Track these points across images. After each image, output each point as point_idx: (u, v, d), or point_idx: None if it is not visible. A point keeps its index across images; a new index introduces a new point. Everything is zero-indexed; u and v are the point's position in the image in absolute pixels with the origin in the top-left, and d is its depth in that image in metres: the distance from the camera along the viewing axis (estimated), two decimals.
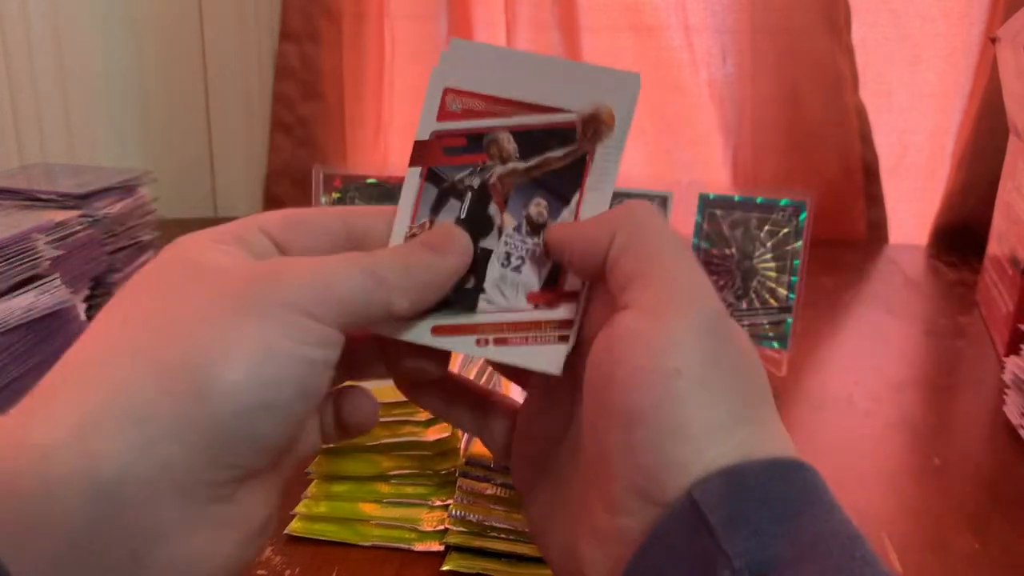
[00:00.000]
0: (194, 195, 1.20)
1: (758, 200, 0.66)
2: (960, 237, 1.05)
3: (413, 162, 0.31)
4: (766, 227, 0.66)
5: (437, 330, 0.30)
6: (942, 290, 0.92)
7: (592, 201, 0.30)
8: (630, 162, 1.13)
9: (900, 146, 1.09)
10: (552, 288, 0.30)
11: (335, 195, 0.71)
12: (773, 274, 0.66)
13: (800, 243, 0.65)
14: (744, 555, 0.22)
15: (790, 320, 0.65)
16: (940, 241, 1.08)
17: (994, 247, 0.83)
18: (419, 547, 0.45)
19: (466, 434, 0.46)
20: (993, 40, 0.80)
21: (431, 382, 0.33)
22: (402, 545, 0.45)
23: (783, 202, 0.66)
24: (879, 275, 0.97)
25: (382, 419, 0.44)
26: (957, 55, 1.05)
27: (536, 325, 0.30)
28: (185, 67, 1.18)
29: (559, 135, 0.30)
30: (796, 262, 0.65)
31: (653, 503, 0.24)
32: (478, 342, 0.30)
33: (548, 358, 0.29)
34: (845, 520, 0.24)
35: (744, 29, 1.05)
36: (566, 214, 0.30)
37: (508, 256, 0.30)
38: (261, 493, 0.27)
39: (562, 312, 0.30)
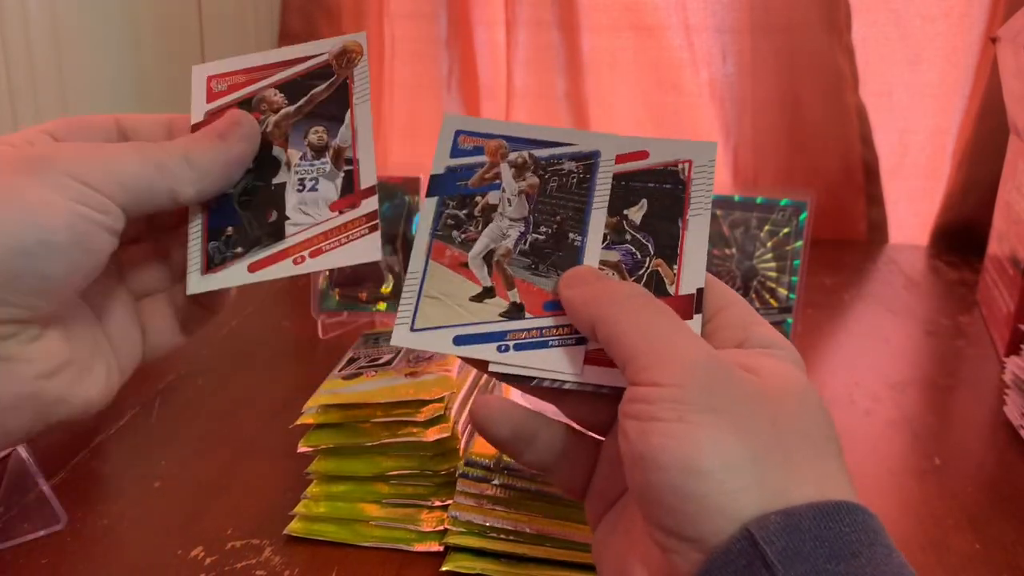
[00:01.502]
0: None
1: (758, 200, 0.66)
2: (960, 237, 1.05)
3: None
4: (766, 227, 0.66)
5: (254, 266, 0.33)
6: (942, 290, 0.92)
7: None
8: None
9: (900, 146, 1.09)
10: (351, 193, 0.34)
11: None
12: (773, 274, 0.66)
13: (800, 243, 0.65)
14: None
15: (790, 320, 0.65)
16: (940, 241, 1.08)
17: (994, 247, 0.83)
18: (419, 547, 0.45)
19: (466, 434, 0.46)
20: (993, 40, 0.80)
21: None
22: (402, 545, 0.45)
23: (783, 202, 0.66)
24: (879, 275, 0.97)
25: (382, 419, 0.44)
26: (957, 55, 1.05)
27: (345, 227, 0.33)
28: (185, 67, 1.17)
29: (319, 74, 0.35)
30: (796, 262, 0.65)
31: (688, 540, 0.24)
32: (295, 261, 0.33)
33: (364, 249, 0.33)
34: (903, 564, 0.24)
35: (744, 29, 1.05)
36: (343, 130, 0.35)
37: (302, 182, 0.34)
38: (49, 336, 0.30)
39: (365, 207, 0.34)
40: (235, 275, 0.33)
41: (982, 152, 1.00)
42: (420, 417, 0.44)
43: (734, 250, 0.67)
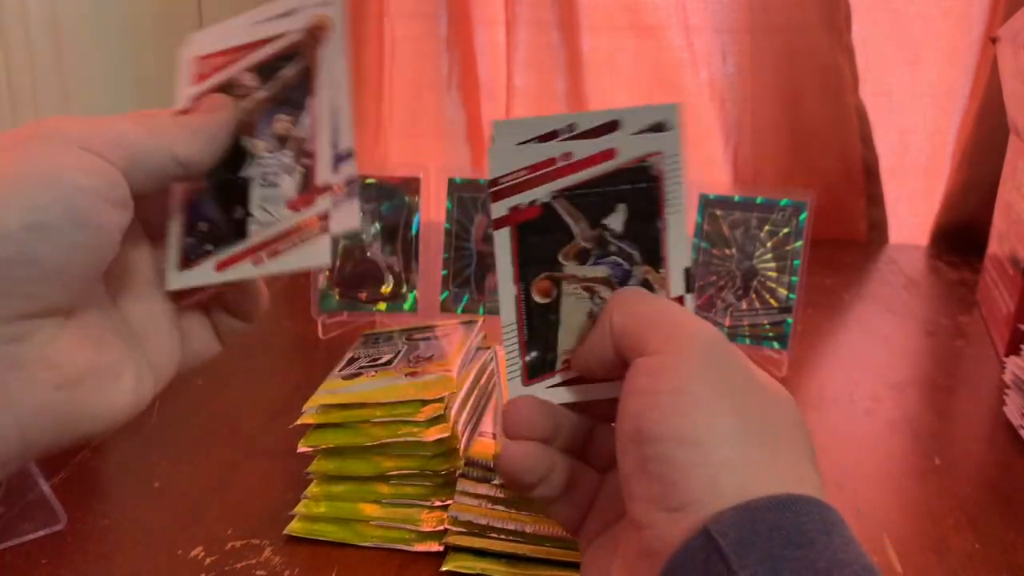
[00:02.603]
0: None
1: (758, 200, 0.66)
2: (960, 237, 1.05)
3: None
4: (766, 227, 0.66)
5: (220, 265, 0.32)
6: (942, 290, 0.92)
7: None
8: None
9: (900, 146, 1.09)
10: (306, 191, 0.32)
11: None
12: (773, 274, 0.66)
13: (800, 243, 0.65)
14: None
15: (790, 320, 0.65)
16: (940, 241, 1.08)
17: (994, 247, 0.83)
18: (419, 547, 0.45)
19: (466, 434, 0.46)
20: (993, 40, 0.80)
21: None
22: (402, 546, 0.45)
23: (783, 202, 0.66)
24: (879, 275, 0.97)
25: (382, 419, 0.44)
26: (957, 55, 1.05)
27: (299, 228, 0.32)
28: None
29: (290, 56, 0.33)
30: (796, 262, 0.65)
31: (671, 510, 0.25)
32: (255, 261, 0.32)
33: (314, 252, 0.32)
34: (861, 554, 0.24)
35: (744, 29, 1.05)
36: (303, 117, 0.33)
37: (265, 176, 0.33)
38: (67, 338, 0.27)
39: (318, 206, 0.32)
40: (204, 273, 0.32)
41: (982, 152, 1.00)
42: (420, 417, 0.44)
43: (734, 250, 0.67)
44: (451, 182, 0.70)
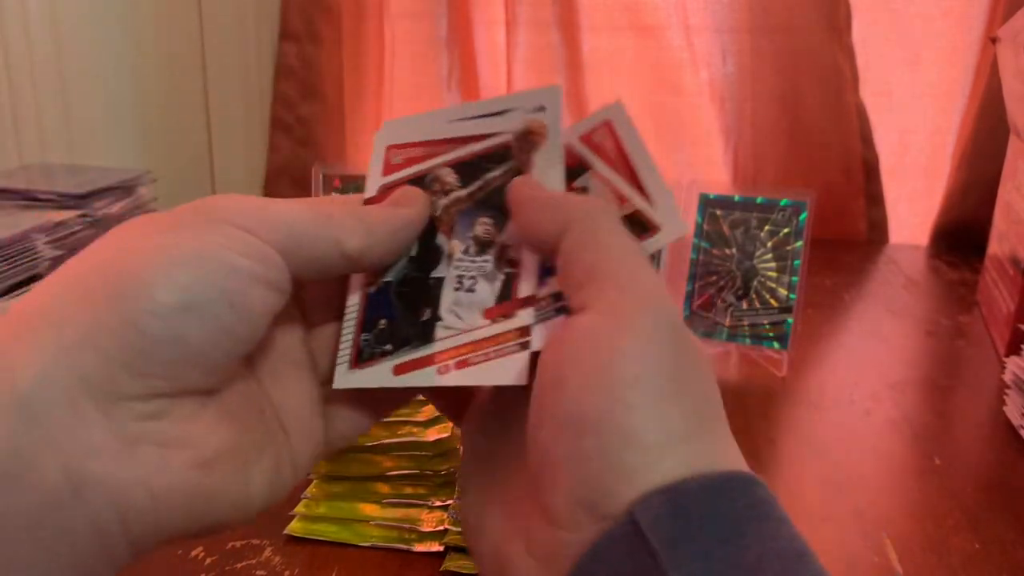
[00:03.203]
0: (194, 195, 1.17)
1: (758, 200, 0.66)
2: (960, 237, 1.05)
3: None
4: (766, 227, 0.66)
5: (399, 369, 0.29)
6: (942, 290, 0.92)
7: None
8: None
9: (900, 146, 1.09)
10: (507, 300, 0.30)
11: (334, 195, 0.71)
12: (773, 274, 0.66)
13: (800, 243, 0.65)
14: None
15: (790, 320, 0.65)
16: (940, 241, 1.08)
17: (995, 247, 0.83)
18: (419, 548, 0.45)
19: None
20: (993, 40, 0.80)
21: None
22: (402, 546, 0.45)
23: (783, 202, 0.66)
24: (879, 275, 0.97)
25: (382, 419, 0.44)
26: (957, 55, 1.05)
27: (495, 339, 0.29)
28: (185, 67, 1.18)
29: (496, 157, 0.31)
30: (796, 262, 0.65)
31: (599, 516, 0.23)
32: (440, 370, 0.29)
33: (510, 369, 0.29)
34: (793, 536, 0.23)
35: (744, 29, 1.05)
36: (511, 226, 0.30)
37: (460, 279, 0.30)
38: (208, 417, 0.26)
39: (519, 319, 0.29)
40: (380, 375, 0.30)
41: (982, 152, 1.00)
42: (420, 417, 0.44)
43: (734, 250, 0.67)
44: None
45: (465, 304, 0.30)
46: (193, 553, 0.45)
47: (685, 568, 0.21)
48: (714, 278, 0.67)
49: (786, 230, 0.66)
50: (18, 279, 0.61)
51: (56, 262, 0.64)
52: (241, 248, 0.25)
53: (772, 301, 0.66)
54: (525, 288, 0.29)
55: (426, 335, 0.30)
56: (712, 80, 1.08)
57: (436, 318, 0.30)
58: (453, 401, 0.32)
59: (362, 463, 0.46)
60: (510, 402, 0.30)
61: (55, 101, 1.09)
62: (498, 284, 0.30)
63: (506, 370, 0.28)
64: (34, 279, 0.62)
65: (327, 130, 1.15)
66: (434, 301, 0.30)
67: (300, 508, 0.46)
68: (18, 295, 0.60)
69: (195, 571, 0.44)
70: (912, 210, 1.11)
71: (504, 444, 0.29)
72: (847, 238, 1.08)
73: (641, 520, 0.22)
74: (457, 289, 0.30)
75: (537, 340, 0.29)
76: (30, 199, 0.72)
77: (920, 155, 1.10)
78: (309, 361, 0.31)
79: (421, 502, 0.45)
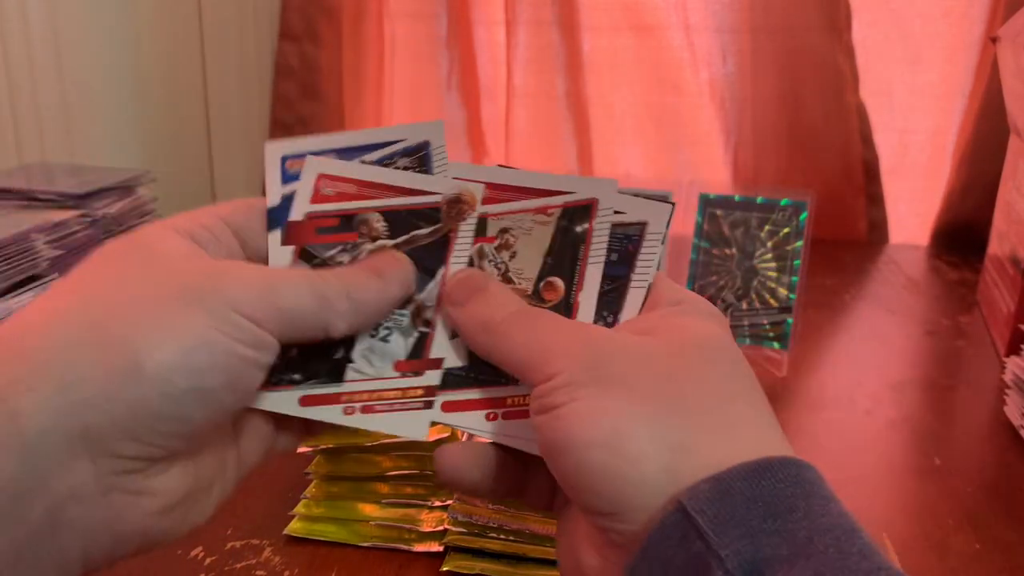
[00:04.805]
0: (193, 195, 1.20)
1: (758, 200, 0.66)
2: (961, 237, 1.05)
3: (285, 241, 0.32)
4: (766, 227, 0.66)
5: (305, 400, 0.31)
6: (942, 290, 0.92)
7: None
8: (631, 162, 1.13)
9: (901, 146, 1.09)
10: (418, 357, 0.31)
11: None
12: (773, 274, 0.66)
13: (800, 243, 0.65)
14: (737, 555, 0.22)
15: (790, 320, 0.65)
16: (941, 241, 1.08)
17: (995, 247, 0.83)
18: (418, 548, 0.45)
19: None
20: (993, 40, 0.80)
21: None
22: (401, 546, 0.45)
23: (783, 202, 0.66)
24: (879, 275, 0.97)
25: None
26: (958, 54, 1.05)
27: (402, 392, 0.31)
28: (185, 67, 1.18)
29: (425, 215, 0.32)
30: (796, 262, 0.65)
31: (609, 515, 0.25)
32: (345, 410, 0.31)
33: (412, 424, 0.31)
34: (842, 513, 0.23)
35: (744, 29, 1.05)
36: (432, 286, 0.32)
37: (376, 327, 0.31)
38: (177, 468, 0.28)
39: (427, 379, 0.31)
40: (287, 402, 0.31)
41: (982, 152, 1.00)
42: None
43: (734, 250, 0.67)
44: None
45: (378, 352, 0.31)
46: (193, 553, 0.45)
47: (734, 546, 0.22)
48: (714, 278, 0.67)
49: (786, 230, 0.66)
50: (18, 279, 0.61)
51: (56, 262, 0.64)
52: (246, 338, 0.27)
53: (772, 301, 0.66)
54: (437, 351, 0.31)
55: (336, 373, 0.31)
56: (712, 80, 1.08)
57: (348, 359, 0.31)
58: (545, 489, 0.32)
59: (362, 463, 0.45)
60: None
61: (55, 101, 1.09)
62: (411, 340, 0.32)
63: (408, 424, 0.31)
64: (34, 279, 0.62)
65: (327, 130, 1.15)
66: (348, 342, 0.31)
67: (300, 508, 0.46)
68: (18, 295, 0.60)
69: (195, 571, 0.44)
70: (912, 210, 1.11)
71: None
72: (847, 238, 1.08)
73: (689, 505, 0.23)
74: (372, 336, 0.32)
75: (405, 429, 0.31)
76: (30, 199, 0.72)
77: (920, 155, 1.10)
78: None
79: (421, 502, 0.45)
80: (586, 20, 1.08)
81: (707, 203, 0.67)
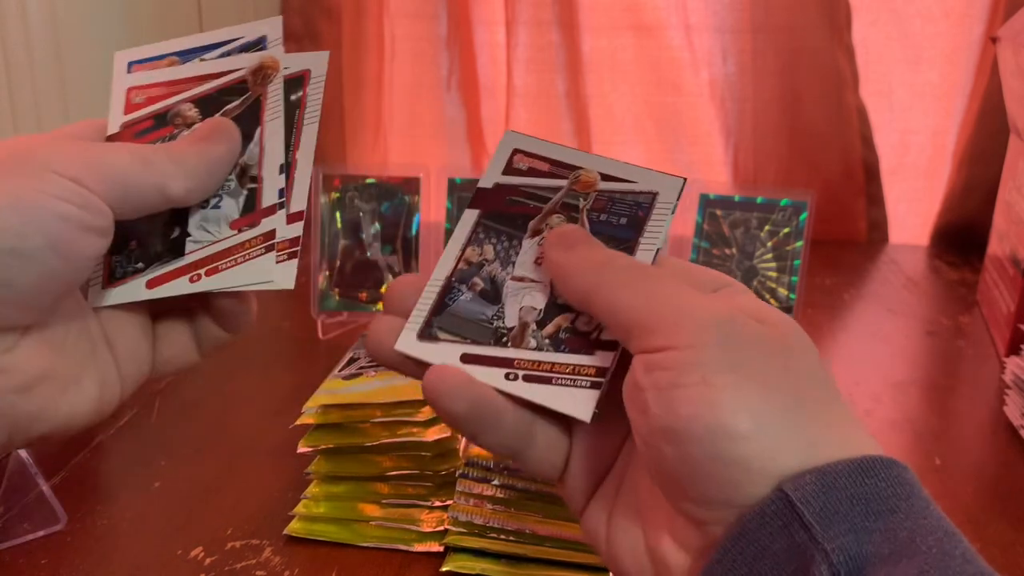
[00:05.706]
0: None
1: (758, 200, 0.66)
2: (961, 237, 1.05)
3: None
4: (766, 227, 0.66)
5: (152, 283, 0.33)
6: (943, 290, 0.92)
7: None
8: (630, 161, 1.13)
9: (901, 146, 1.09)
10: (251, 212, 0.33)
11: (334, 195, 0.71)
12: (773, 274, 0.66)
13: (800, 243, 0.65)
14: (842, 550, 0.22)
15: None
16: (941, 241, 1.08)
17: (995, 247, 0.83)
18: (419, 548, 0.45)
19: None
20: (994, 40, 0.80)
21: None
22: (402, 546, 0.45)
23: (783, 202, 0.66)
24: (879, 275, 0.97)
25: (382, 419, 0.44)
26: (958, 54, 1.05)
27: (242, 246, 0.33)
28: None
29: (235, 90, 0.35)
30: (796, 262, 0.65)
31: (734, 506, 0.24)
32: (191, 279, 0.32)
33: (259, 270, 0.32)
34: (941, 516, 0.24)
35: (744, 29, 1.05)
36: (251, 146, 0.34)
37: (207, 199, 0.34)
38: (27, 346, 0.28)
39: (264, 226, 0.33)
40: (133, 290, 0.33)
41: (982, 152, 1.00)
42: (420, 417, 0.44)
43: (734, 250, 0.67)
44: (451, 182, 0.70)
45: (212, 219, 0.33)
46: (193, 553, 0.45)
47: (839, 541, 0.22)
48: None
49: (786, 230, 0.66)
50: None
51: None
52: (68, 196, 0.27)
53: (772, 301, 0.66)
54: (267, 199, 0.33)
55: (177, 249, 0.33)
56: (712, 80, 1.08)
57: (185, 235, 0.33)
58: (554, 456, 0.31)
59: (362, 463, 0.45)
60: (613, 419, 0.30)
61: (54, 101, 1.09)
62: (242, 199, 0.34)
63: (255, 272, 0.32)
64: None
65: (326, 130, 1.15)
66: (183, 220, 0.33)
67: (300, 508, 0.46)
68: None
69: (195, 571, 0.44)
70: (912, 210, 1.11)
71: (616, 453, 0.31)
72: (847, 238, 1.08)
73: (794, 496, 0.23)
74: (203, 207, 0.33)
75: (279, 278, 0.32)
76: None
77: (920, 155, 1.10)
78: None
79: (421, 502, 0.45)
80: (586, 20, 1.08)
81: (707, 203, 0.67)
